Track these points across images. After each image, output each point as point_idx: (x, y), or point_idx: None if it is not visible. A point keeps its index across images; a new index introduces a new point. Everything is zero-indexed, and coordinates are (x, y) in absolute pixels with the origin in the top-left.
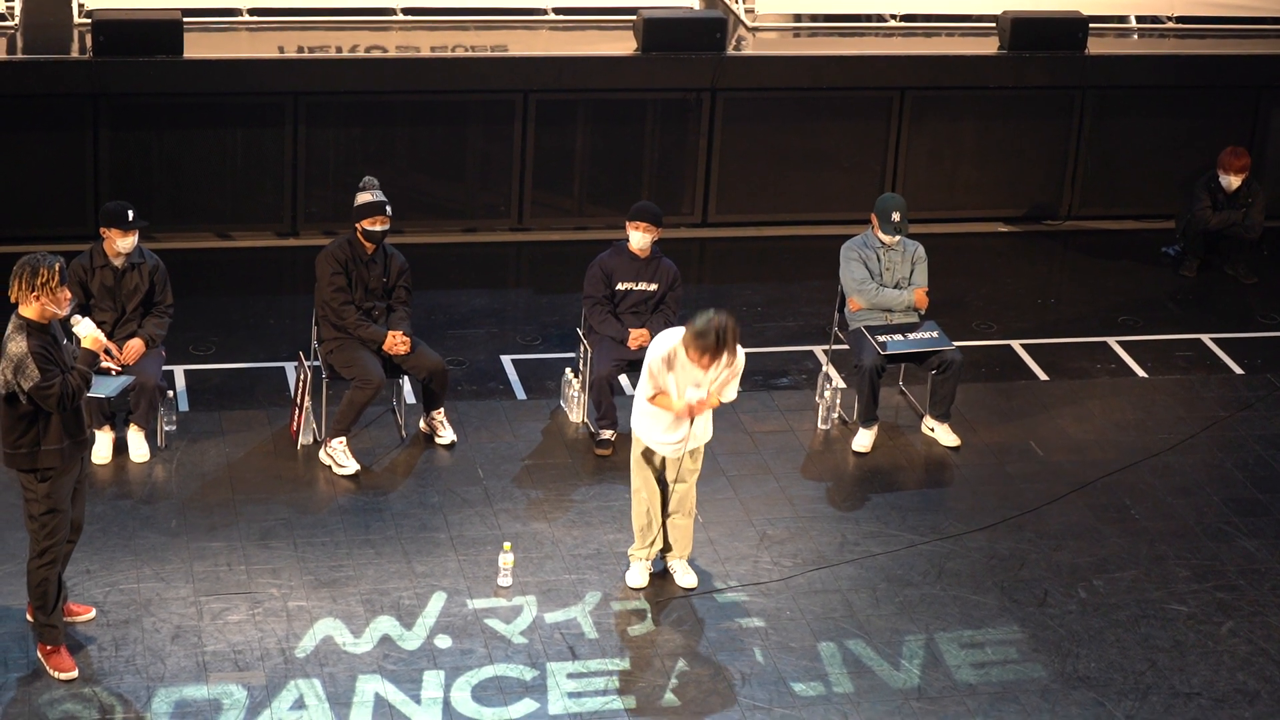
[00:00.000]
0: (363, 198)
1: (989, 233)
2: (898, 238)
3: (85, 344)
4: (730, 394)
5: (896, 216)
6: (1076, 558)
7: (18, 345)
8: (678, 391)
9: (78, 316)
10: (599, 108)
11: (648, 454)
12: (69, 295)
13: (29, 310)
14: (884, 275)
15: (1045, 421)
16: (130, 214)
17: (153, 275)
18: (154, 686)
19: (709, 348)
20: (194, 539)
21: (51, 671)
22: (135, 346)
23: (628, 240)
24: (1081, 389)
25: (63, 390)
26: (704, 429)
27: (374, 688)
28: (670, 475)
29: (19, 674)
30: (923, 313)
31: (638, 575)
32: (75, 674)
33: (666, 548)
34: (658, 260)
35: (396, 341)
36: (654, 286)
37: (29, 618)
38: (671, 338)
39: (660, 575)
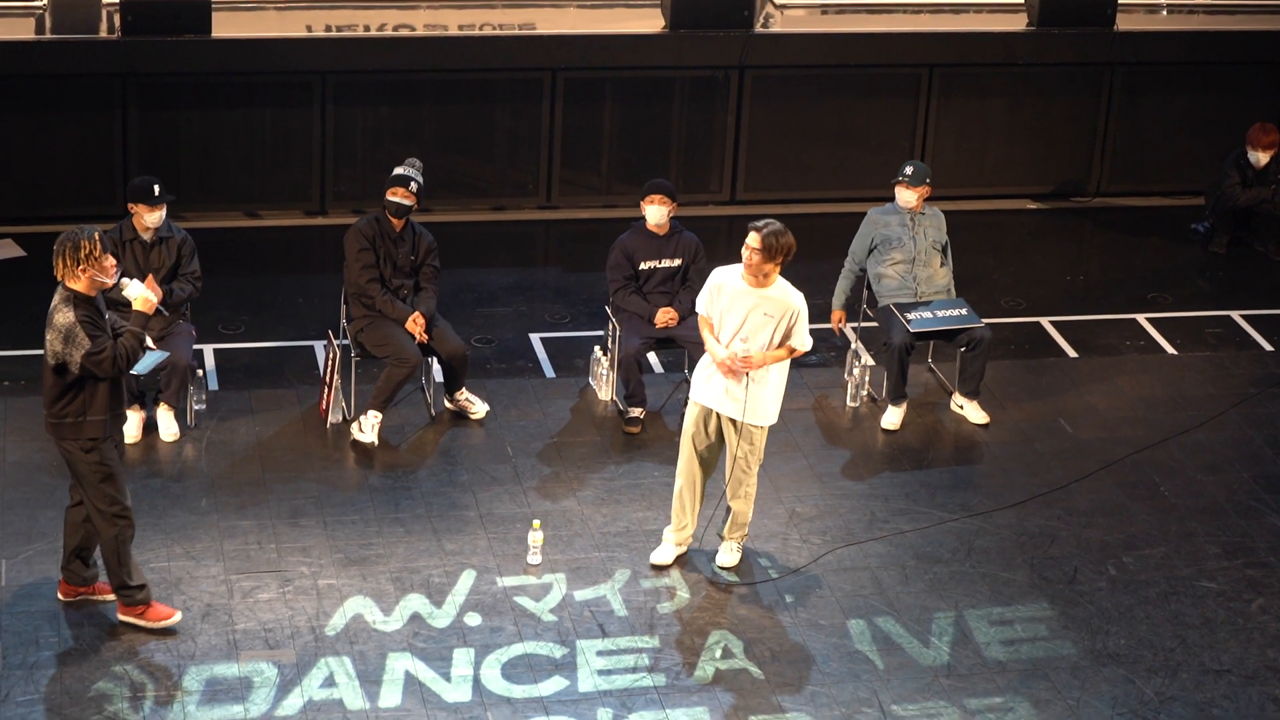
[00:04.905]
0: (395, 170)
1: (1018, 210)
2: (913, 193)
3: (136, 305)
4: (801, 340)
5: (909, 170)
6: (1106, 535)
7: (64, 316)
8: (719, 324)
9: (125, 280)
10: (627, 85)
11: (698, 425)
12: (114, 262)
13: (77, 284)
14: (915, 240)
15: (1074, 399)
16: (156, 188)
17: (180, 248)
18: (185, 664)
19: (764, 247)
20: (224, 517)
21: (154, 624)
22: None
23: (644, 219)
24: (1111, 366)
25: (114, 354)
26: (758, 401)
27: (404, 665)
28: (727, 446)
29: (52, 652)
30: (950, 288)
31: (663, 553)
32: (178, 616)
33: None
34: (678, 235)
35: (417, 327)
36: (677, 262)
37: (60, 596)
38: (732, 270)
39: (694, 552)
